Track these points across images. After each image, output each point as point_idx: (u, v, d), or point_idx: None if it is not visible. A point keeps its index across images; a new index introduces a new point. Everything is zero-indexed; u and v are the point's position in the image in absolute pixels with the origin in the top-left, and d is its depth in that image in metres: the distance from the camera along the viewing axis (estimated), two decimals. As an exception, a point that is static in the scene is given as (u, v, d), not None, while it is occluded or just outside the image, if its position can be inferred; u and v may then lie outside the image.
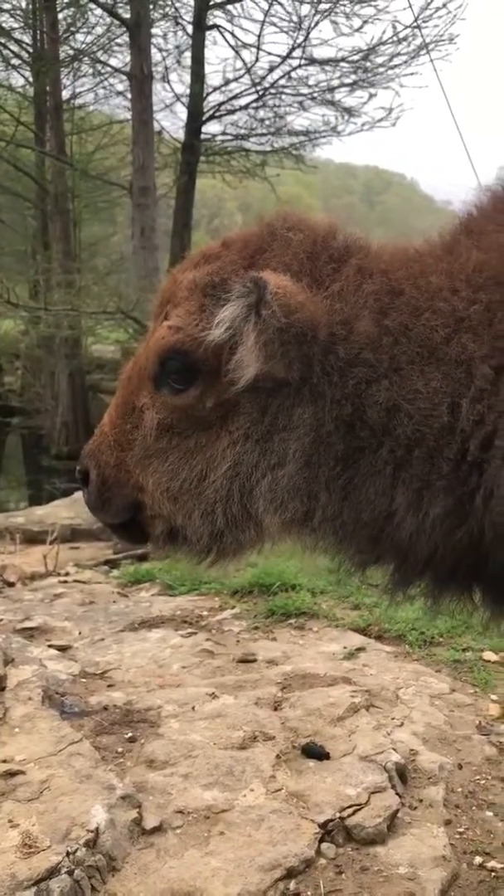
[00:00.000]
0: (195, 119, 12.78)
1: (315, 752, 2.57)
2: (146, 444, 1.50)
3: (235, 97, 13.35)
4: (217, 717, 2.83)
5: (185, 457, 1.46)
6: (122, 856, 2.06)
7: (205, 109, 13.05)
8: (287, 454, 1.37)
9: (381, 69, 12.70)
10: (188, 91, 12.89)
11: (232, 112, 13.62)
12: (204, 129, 13.34)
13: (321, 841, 2.14)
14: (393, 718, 2.88)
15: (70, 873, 1.92)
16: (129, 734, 2.71)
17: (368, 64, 12.65)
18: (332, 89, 13.19)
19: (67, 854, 1.95)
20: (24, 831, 2.03)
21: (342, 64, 12.72)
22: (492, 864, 2.12)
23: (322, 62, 12.74)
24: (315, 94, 13.33)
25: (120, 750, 2.61)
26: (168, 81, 13.90)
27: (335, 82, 13.09)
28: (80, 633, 3.85)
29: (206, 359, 1.41)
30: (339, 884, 2.01)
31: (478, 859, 2.14)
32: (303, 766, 2.50)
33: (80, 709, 2.91)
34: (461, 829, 2.28)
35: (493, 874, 2.08)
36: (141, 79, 10.88)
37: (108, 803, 2.17)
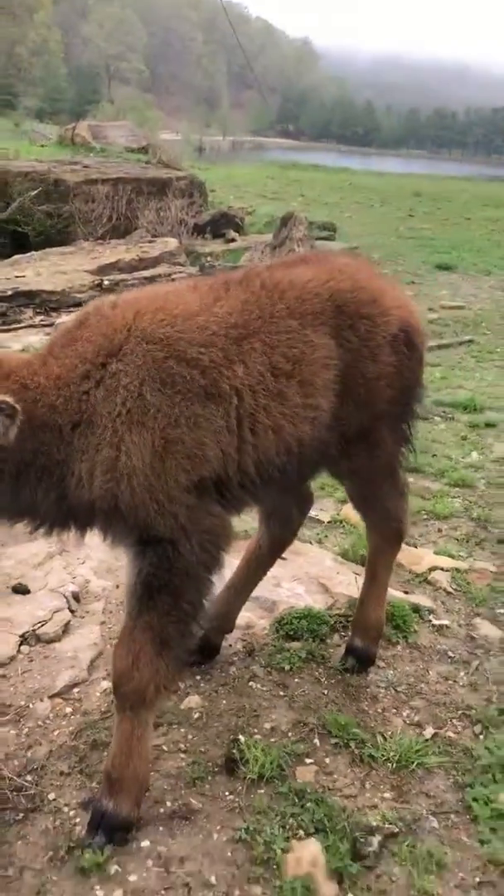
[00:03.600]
0: None
1: (20, 590, 3.93)
2: None
3: None
4: (-48, 573, 4.08)
5: None
6: None
7: None
8: None
9: None
10: None
11: None
12: None
13: (21, 645, 3.55)
14: (78, 559, 4.31)
15: None
16: None
17: None
18: None
19: None
20: None
21: None
22: (123, 643, 3.65)
23: None
24: None
25: None
26: None
27: None
28: None
29: None
30: (30, 666, 3.44)
31: (114, 641, 3.66)
32: (12, 601, 3.85)
33: None
34: (110, 626, 3.79)
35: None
36: None
37: None
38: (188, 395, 2.54)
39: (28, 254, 13.32)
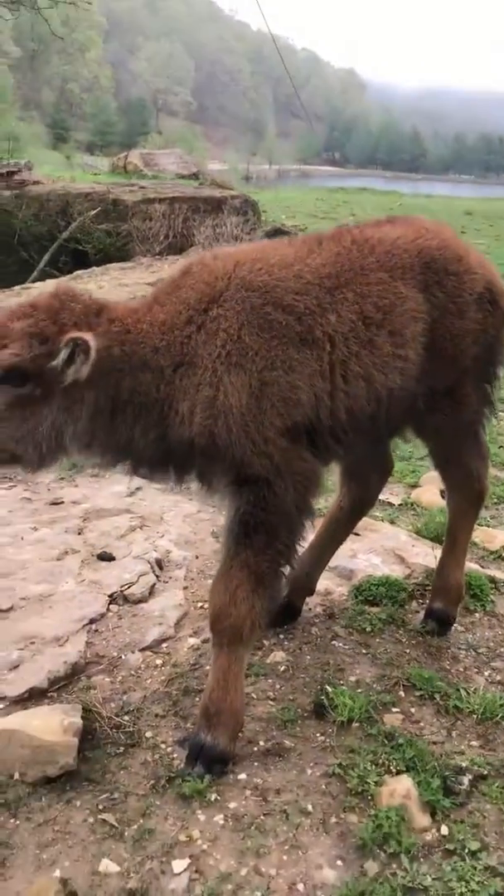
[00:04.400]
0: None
1: (106, 557, 4.07)
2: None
3: None
4: (39, 543, 4.24)
5: (24, 418, 2.66)
6: (-9, 624, 3.48)
7: None
8: (81, 415, 2.64)
9: None
10: None
11: None
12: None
13: (110, 604, 3.68)
14: (158, 532, 4.45)
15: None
16: (-20, 558, 4.06)
17: None
18: None
19: (-40, 624, 3.34)
20: None
21: None
22: (204, 604, 3.76)
23: None
24: None
25: (-24, 568, 3.96)
26: None
27: None
28: None
29: (33, 370, 2.59)
30: (119, 623, 3.57)
31: (199, 604, 3.78)
32: (98, 566, 4.00)
33: None
34: (193, 591, 3.91)
35: (204, 608, 3.73)
36: None
37: (-22, 597, 3.56)
38: (284, 339, 2.67)
39: (89, 269, 13.72)
